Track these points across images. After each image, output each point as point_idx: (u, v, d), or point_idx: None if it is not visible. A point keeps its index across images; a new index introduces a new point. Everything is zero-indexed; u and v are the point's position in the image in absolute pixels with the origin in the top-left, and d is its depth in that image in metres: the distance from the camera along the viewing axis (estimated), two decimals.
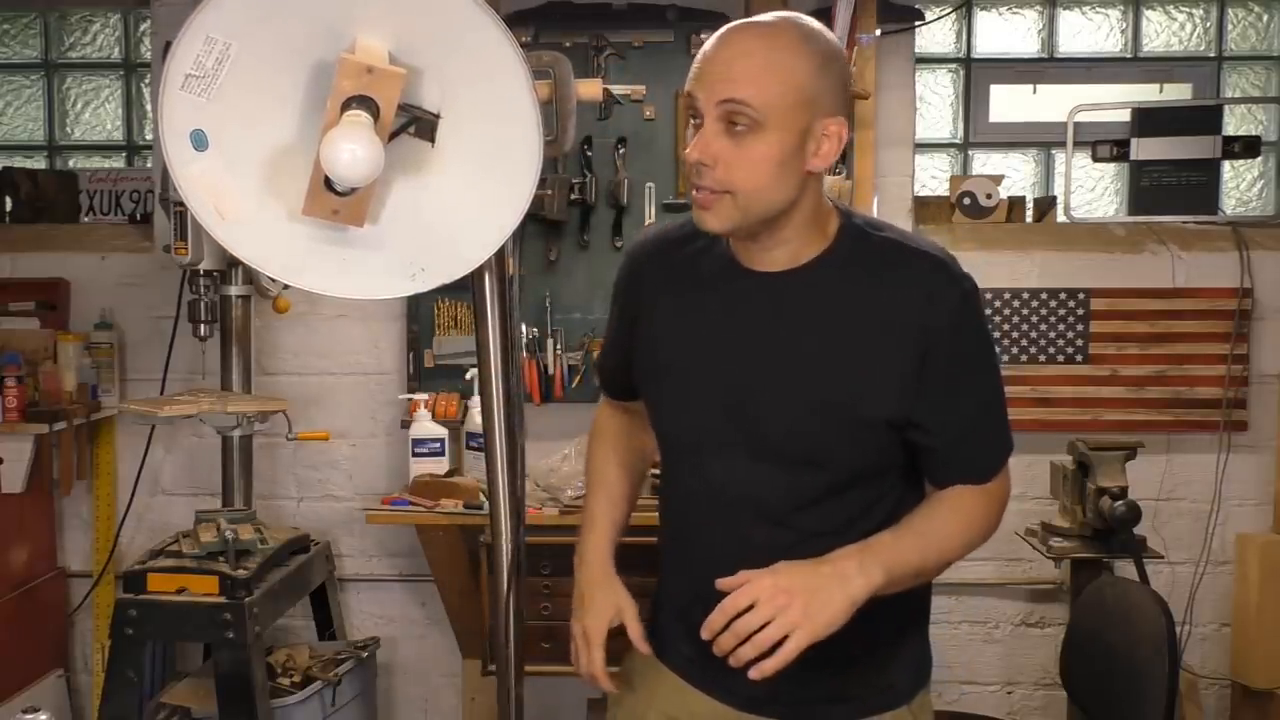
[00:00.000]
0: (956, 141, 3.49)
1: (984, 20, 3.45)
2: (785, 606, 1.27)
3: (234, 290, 2.83)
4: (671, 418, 1.53)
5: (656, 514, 1.63)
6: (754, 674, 1.27)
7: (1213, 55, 3.44)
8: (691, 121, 1.36)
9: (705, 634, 1.30)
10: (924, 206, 3.26)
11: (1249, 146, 3.21)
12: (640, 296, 1.55)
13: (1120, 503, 2.59)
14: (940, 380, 1.37)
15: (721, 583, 1.31)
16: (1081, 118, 3.21)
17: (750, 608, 1.28)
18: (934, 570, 1.43)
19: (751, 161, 1.31)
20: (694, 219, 1.39)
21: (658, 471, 1.65)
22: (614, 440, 1.69)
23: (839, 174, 2.89)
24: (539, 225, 3.02)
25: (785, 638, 1.26)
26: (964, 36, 3.44)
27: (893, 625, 1.50)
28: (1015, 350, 3.14)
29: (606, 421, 1.72)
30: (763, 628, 1.27)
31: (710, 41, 1.35)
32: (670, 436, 1.55)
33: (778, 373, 1.40)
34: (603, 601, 1.54)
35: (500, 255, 1.41)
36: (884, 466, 1.44)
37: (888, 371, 1.36)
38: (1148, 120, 3.19)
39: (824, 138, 1.34)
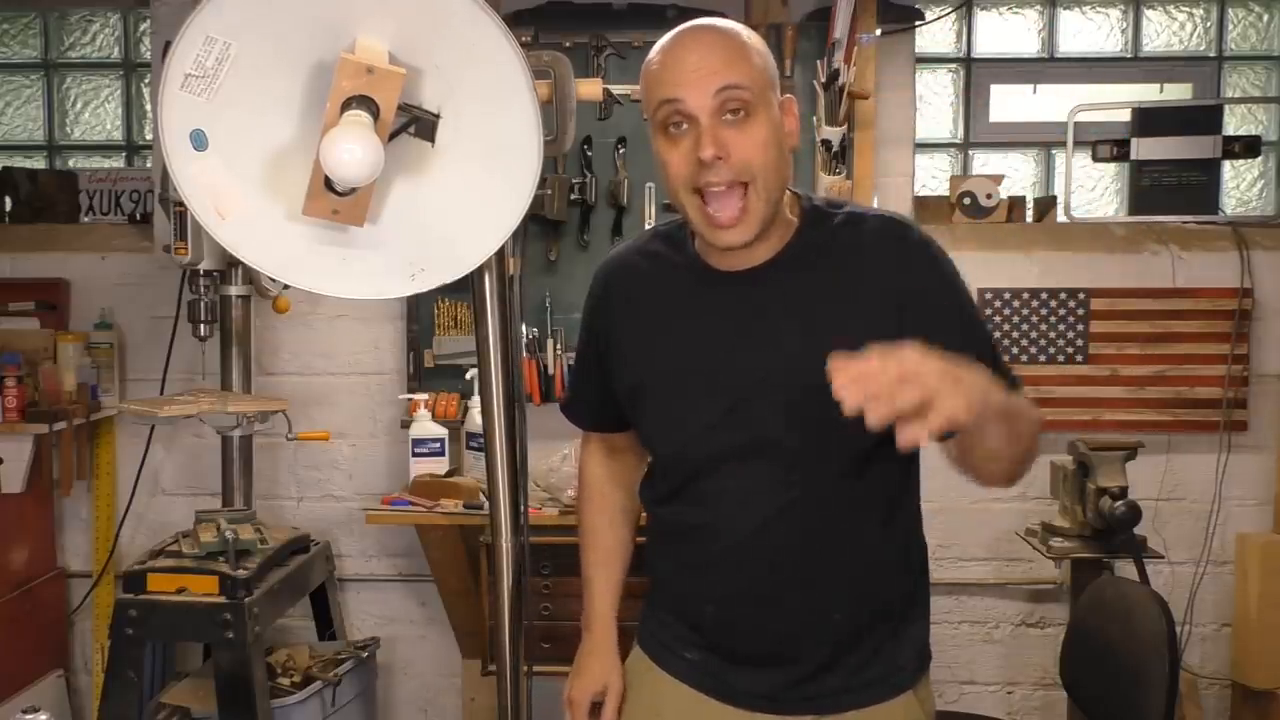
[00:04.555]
0: (956, 141, 3.49)
1: (984, 20, 3.45)
2: (925, 379, 1.08)
3: (234, 290, 2.83)
4: (667, 433, 1.51)
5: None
6: (903, 440, 1.08)
7: (1213, 55, 3.44)
8: (670, 132, 1.36)
9: (832, 372, 1.07)
10: (924, 206, 3.26)
11: (1249, 146, 3.20)
12: (613, 320, 1.54)
13: (1120, 503, 2.59)
14: (928, 333, 1.30)
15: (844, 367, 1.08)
16: (1081, 118, 3.21)
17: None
18: (1011, 441, 1.29)
19: (756, 142, 1.35)
20: (715, 239, 1.38)
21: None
22: (600, 492, 1.71)
23: (839, 174, 2.89)
24: (539, 225, 3.02)
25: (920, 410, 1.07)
26: (964, 36, 3.44)
27: (898, 615, 1.51)
28: (1015, 350, 3.14)
29: (591, 471, 1.72)
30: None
31: (666, 52, 1.38)
32: (668, 450, 1.53)
33: (769, 370, 1.40)
34: (594, 672, 1.64)
35: (500, 255, 1.42)
36: (889, 450, 1.40)
37: (874, 344, 1.34)
38: (1148, 120, 3.19)
39: (789, 115, 1.41)
